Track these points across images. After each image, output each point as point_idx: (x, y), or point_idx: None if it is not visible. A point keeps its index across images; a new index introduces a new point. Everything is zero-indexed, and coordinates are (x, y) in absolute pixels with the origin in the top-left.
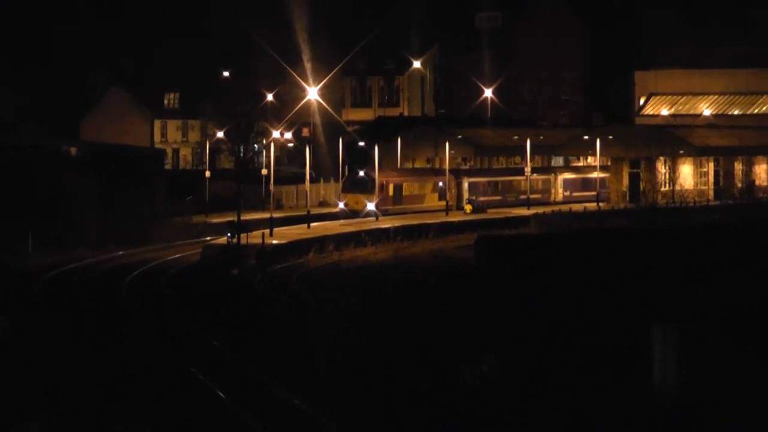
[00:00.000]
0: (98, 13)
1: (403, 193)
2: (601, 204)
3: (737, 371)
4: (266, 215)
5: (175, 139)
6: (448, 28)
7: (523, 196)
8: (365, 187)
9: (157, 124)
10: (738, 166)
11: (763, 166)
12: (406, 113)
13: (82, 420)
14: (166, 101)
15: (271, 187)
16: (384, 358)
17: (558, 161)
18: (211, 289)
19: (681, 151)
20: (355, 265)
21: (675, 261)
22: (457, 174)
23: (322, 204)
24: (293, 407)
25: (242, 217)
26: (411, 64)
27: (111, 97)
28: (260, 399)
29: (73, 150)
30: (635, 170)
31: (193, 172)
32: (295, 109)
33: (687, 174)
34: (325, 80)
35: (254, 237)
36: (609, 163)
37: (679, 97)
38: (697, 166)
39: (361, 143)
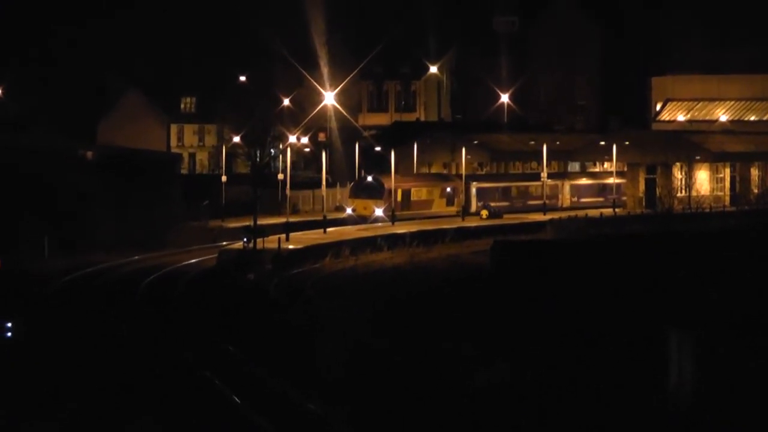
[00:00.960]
0: (116, 17)
1: (411, 199)
2: (617, 209)
3: (752, 377)
4: (282, 220)
5: (191, 143)
6: (464, 33)
7: (531, 202)
8: (373, 193)
9: (174, 128)
10: (754, 172)
11: None
12: (422, 118)
13: (94, 419)
14: (182, 105)
15: (288, 191)
16: (398, 362)
17: (574, 167)
18: (227, 294)
19: (697, 157)
20: (371, 270)
21: (691, 267)
22: (466, 179)
23: (339, 209)
24: (305, 411)
25: (258, 222)
26: (427, 68)
27: (127, 100)
28: (270, 401)
29: (90, 154)
30: (651, 176)
31: (210, 177)
32: (312, 114)
33: (703, 180)
34: (341, 85)
35: (270, 242)
36: (625, 169)
37: (696, 102)
38: (714, 171)
39: (378, 148)
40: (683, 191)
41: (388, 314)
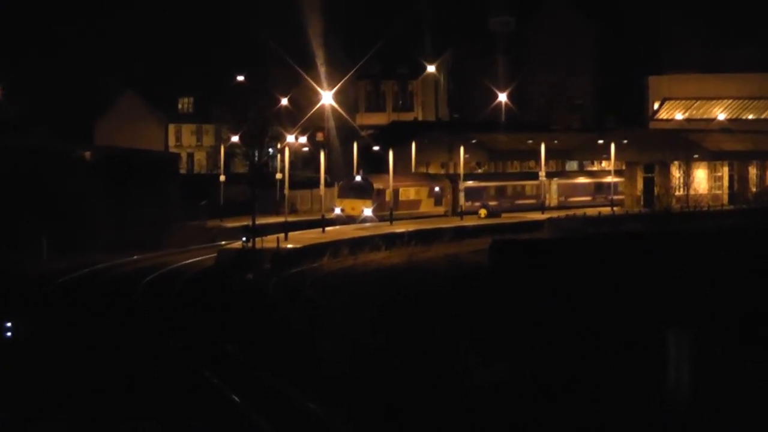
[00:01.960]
0: (113, 17)
1: (400, 199)
2: (615, 208)
3: (750, 375)
4: (281, 219)
5: (189, 143)
6: (461, 33)
7: (519, 201)
8: (362, 193)
9: (172, 128)
10: (752, 171)
11: None
12: (420, 118)
13: (96, 420)
14: (180, 105)
15: (286, 191)
16: (396, 361)
17: (572, 165)
18: (226, 293)
19: (695, 156)
20: (369, 269)
21: (689, 265)
22: (453, 179)
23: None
24: (303, 410)
25: (257, 222)
26: (425, 68)
27: (125, 100)
28: (270, 401)
29: (88, 154)
30: (649, 175)
31: (208, 176)
32: (310, 114)
33: (701, 178)
34: (339, 84)
35: (269, 241)
36: (623, 168)
37: (693, 101)
38: (712, 170)
39: (376, 148)
40: (681, 190)
41: (387, 313)
